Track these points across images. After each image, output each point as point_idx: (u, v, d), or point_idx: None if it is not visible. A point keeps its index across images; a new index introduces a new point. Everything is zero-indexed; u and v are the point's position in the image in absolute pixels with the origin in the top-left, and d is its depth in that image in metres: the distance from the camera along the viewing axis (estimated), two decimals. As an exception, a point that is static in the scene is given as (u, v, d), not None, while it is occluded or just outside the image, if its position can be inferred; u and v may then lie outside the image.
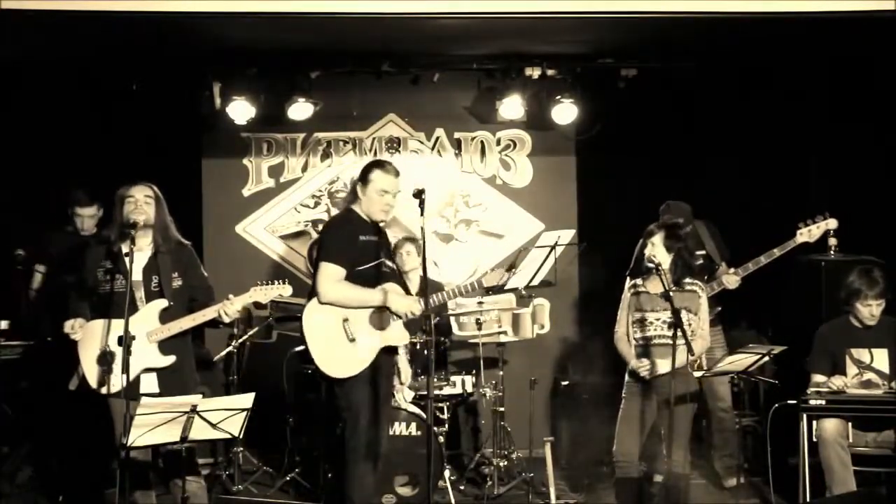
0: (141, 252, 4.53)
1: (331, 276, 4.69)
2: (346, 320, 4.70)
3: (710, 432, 6.03)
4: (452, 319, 6.06)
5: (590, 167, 7.03)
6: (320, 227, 6.91)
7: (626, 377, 5.02)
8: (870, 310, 5.15)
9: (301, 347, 4.87)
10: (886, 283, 5.15)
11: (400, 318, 4.76)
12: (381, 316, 4.75)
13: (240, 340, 6.07)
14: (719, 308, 5.73)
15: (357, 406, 4.70)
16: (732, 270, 5.65)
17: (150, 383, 4.49)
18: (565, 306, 7.01)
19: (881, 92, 5.84)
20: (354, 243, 4.74)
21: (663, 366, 4.75)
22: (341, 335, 4.70)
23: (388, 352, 4.86)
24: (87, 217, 5.94)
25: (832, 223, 5.61)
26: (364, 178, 4.81)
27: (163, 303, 4.51)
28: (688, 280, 5.00)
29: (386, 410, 4.92)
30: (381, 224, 4.87)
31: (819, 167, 6.33)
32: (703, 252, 5.84)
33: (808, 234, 5.63)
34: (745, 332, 6.18)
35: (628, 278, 5.08)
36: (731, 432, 5.78)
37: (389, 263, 4.86)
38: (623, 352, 5.01)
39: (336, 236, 4.85)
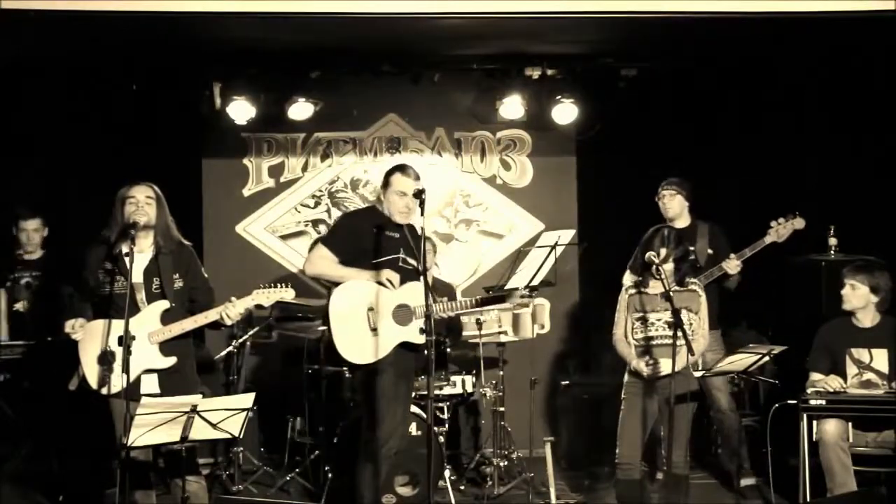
0: (142, 253, 4.53)
1: (318, 254, 4.93)
2: (370, 310, 4.82)
3: (716, 432, 6.04)
4: (452, 319, 6.07)
5: (590, 167, 7.03)
6: (321, 227, 6.94)
7: (626, 377, 5.01)
8: (847, 289, 5.15)
9: (322, 328, 4.99)
10: (881, 280, 5.15)
11: (409, 307, 4.85)
12: (404, 312, 4.86)
13: (240, 340, 6.08)
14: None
15: (374, 397, 4.79)
16: (733, 256, 5.67)
17: (150, 384, 4.48)
18: (565, 306, 7.01)
19: (881, 91, 5.84)
20: (362, 236, 4.91)
21: (666, 365, 4.75)
22: (364, 323, 4.82)
23: (409, 352, 4.92)
24: (33, 231, 5.97)
25: (799, 223, 5.63)
26: (385, 181, 4.99)
27: (164, 304, 4.50)
28: (689, 279, 5.00)
29: (405, 409, 4.99)
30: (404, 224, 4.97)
31: (819, 167, 6.33)
32: (693, 248, 5.85)
33: (775, 234, 5.64)
34: (745, 332, 6.18)
35: (628, 272, 5.05)
36: (732, 431, 5.77)
37: (411, 261, 4.94)
38: (623, 353, 5.00)
39: (340, 226, 5.24)
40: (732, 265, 5.65)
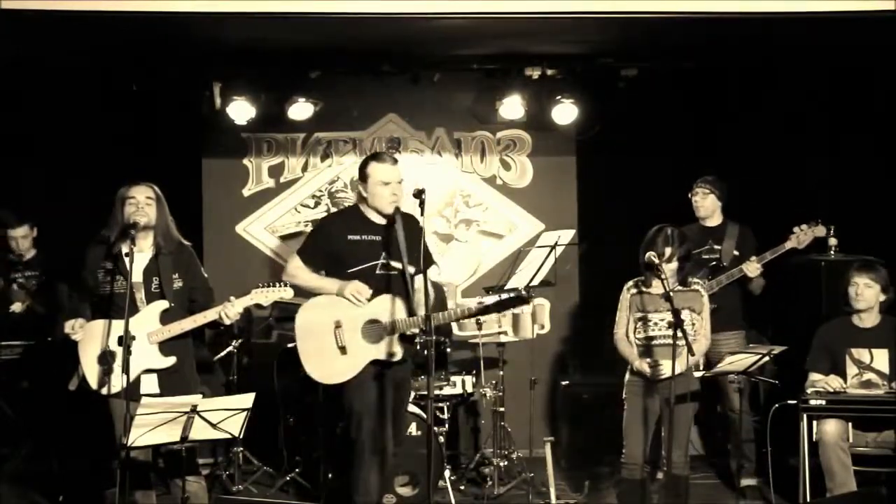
0: (142, 253, 4.53)
1: (294, 265, 4.83)
2: (338, 327, 4.67)
3: (726, 432, 6.05)
4: (453, 320, 6.06)
5: (590, 167, 7.03)
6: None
7: (627, 376, 5.01)
8: (855, 289, 5.15)
9: (292, 345, 4.86)
10: (886, 277, 5.15)
11: (380, 322, 4.67)
12: (373, 328, 4.69)
13: (240, 340, 6.07)
14: (714, 305, 5.70)
15: (359, 410, 4.67)
16: (753, 259, 5.67)
17: (150, 384, 4.48)
18: (565, 306, 7.01)
19: (881, 92, 5.84)
20: (337, 243, 4.74)
21: (667, 367, 4.74)
22: (331, 342, 4.68)
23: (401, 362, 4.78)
24: (21, 238, 5.99)
25: (820, 231, 5.62)
26: (362, 174, 4.80)
27: (163, 304, 4.50)
28: (692, 279, 5.00)
29: (397, 415, 4.86)
30: (390, 221, 4.76)
31: (819, 167, 6.33)
32: (719, 247, 5.86)
33: (795, 240, 5.64)
34: (745, 332, 6.17)
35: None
36: (737, 432, 5.77)
37: (395, 264, 4.74)
38: (624, 352, 4.99)
39: (313, 234, 5.02)
40: (752, 268, 5.64)
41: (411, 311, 4.67)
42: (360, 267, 4.71)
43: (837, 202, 5.91)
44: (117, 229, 4.51)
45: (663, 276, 4.71)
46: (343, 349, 4.67)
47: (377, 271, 4.73)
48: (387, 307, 4.69)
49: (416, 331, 4.67)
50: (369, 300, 4.67)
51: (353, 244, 4.74)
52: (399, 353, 4.71)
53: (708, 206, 5.93)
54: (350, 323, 4.67)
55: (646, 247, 4.87)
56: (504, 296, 4.93)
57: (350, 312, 4.68)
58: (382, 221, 4.80)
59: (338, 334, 4.67)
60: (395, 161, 4.82)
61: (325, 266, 4.80)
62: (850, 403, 5.00)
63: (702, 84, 6.53)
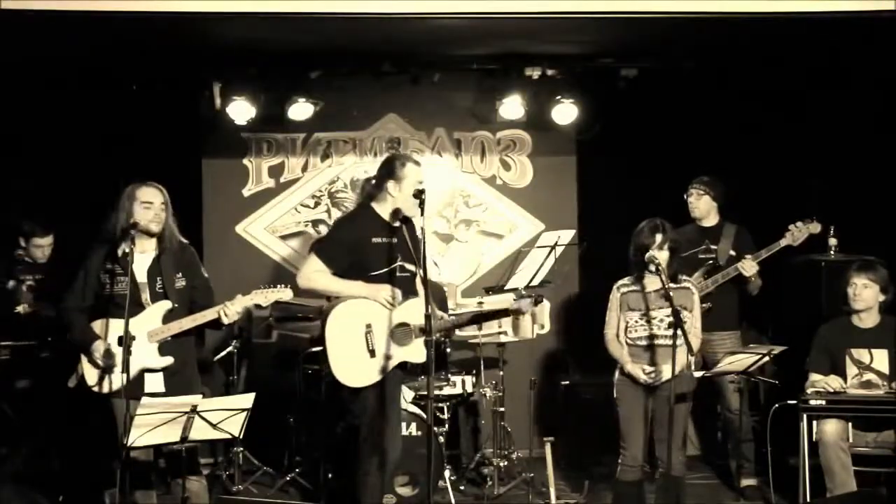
0: (145, 253, 4.55)
1: (313, 267, 4.70)
2: (369, 332, 4.66)
3: (725, 432, 6.05)
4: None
5: (590, 167, 7.03)
6: (321, 227, 6.93)
7: (617, 375, 4.98)
8: (853, 289, 5.15)
9: (317, 349, 4.81)
10: (886, 277, 5.15)
11: (409, 326, 4.68)
12: (403, 331, 4.69)
13: (240, 341, 6.07)
14: (708, 305, 5.68)
15: (373, 411, 4.68)
16: (749, 257, 5.66)
17: (155, 383, 4.49)
18: (565, 306, 7.01)
19: (881, 91, 5.84)
20: (359, 245, 4.70)
21: (667, 371, 4.72)
22: (362, 346, 4.66)
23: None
24: (47, 246, 5.97)
25: (815, 227, 5.62)
26: (396, 174, 4.71)
27: (167, 304, 4.51)
28: (682, 277, 4.99)
29: (398, 416, 4.87)
30: (401, 222, 4.76)
31: (819, 167, 6.33)
32: (715, 247, 5.85)
33: (791, 237, 5.63)
34: (745, 332, 6.17)
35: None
36: (735, 432, 5.78)
37: (409, 266, 4.75)
38: (615, 353, 4.97)
39: (334, 235, 4.94)
40: (748, 266, 5.62)
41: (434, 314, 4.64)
42: (383, 270, 4.70)
43: (837, 202, 5.91)
44: (121, 228, 4.50)
45: (662, 275, 4.69)
46: (372, 352, 4.66)
47: (397, 274, 4.73)
48: (414, 310, 4.68)
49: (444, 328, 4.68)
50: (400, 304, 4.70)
51: (375, 247, 4.71)
52: (424, 355, 4.70)
53: (702, 206, 5.93)
54: (380, 326, 4.67)
55: (635, 238, 4.85)
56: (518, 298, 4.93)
57: (381, 315, 4.67)
58: (393, 223, 4.78)
59: (368, 337, 4.66)
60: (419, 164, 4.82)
61: (345, 269, 4.70)
62: (850, 403, 5.00)
63: (702, 84, 6.53)
